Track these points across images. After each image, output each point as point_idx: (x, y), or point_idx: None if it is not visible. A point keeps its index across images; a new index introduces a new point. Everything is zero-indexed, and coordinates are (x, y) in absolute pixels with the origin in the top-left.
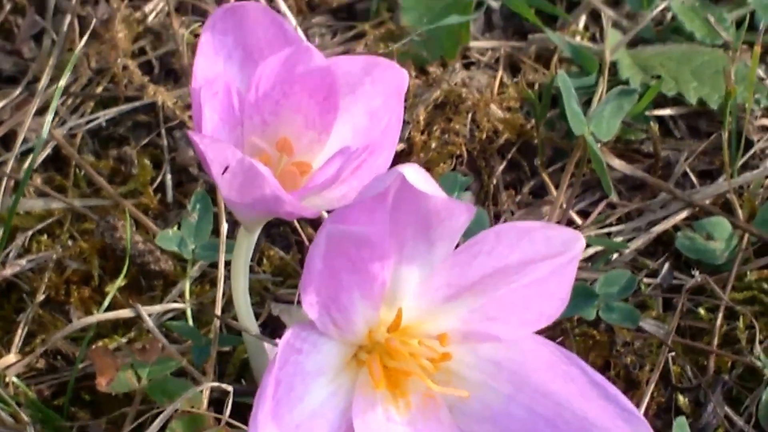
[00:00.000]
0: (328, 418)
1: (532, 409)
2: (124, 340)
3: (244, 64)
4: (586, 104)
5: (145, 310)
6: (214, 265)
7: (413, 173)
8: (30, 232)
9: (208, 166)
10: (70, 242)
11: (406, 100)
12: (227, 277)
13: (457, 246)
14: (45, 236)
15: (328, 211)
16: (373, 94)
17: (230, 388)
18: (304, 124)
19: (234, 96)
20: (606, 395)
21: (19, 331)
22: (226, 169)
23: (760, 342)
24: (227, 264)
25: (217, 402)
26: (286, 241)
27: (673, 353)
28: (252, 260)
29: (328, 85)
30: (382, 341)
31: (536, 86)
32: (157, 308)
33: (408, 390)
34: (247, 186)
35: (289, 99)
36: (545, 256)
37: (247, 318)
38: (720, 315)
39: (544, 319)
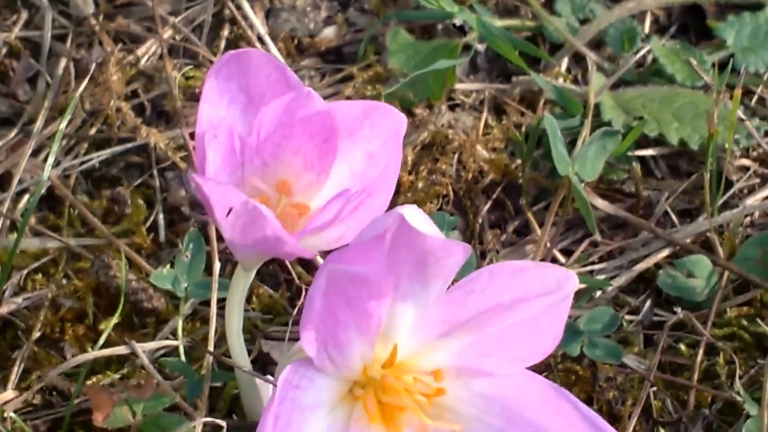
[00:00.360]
0: None
1: None
2: (117, 376)
3: (247, 109)
4: (570, 144)
5: (139, 347)
6: (206, 303)
7: (413, 214)
8: (25, 271)
9: (211, 208)
10: (64, 281)
11: None
12: (219, 315)
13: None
14: (40, 275)
15: (325, 253)
16: (371, 137)
17: (223, 423)
18: (303, 166)
19: (236, 139)
20: (597, 429)
21: (15, 367)
22: (230, 211)
23: (740, 377)
24: (219, 301)
25: None
26: (276, 279)
27: (654, 388)
28: None
29: (328, 128)
30: (377, 377)
31: (522, 128)
32: (152, 345)
33: (402, 424)
34: (249, 227)
35: (289, 142)
36: (538, 295)
37: (240, 355)
38: (700, 351)
39: (537, 355)
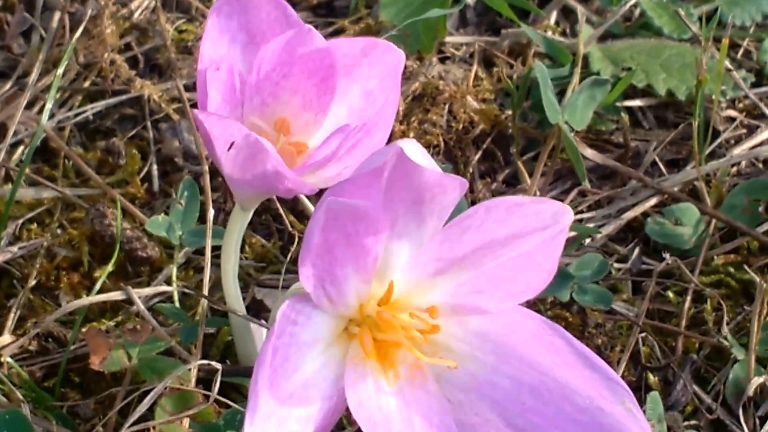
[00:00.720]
0: (320, 387)
1: (516, 379)
2: (112, 323)
3: (247, 47)
4: (560, 95)
5: (134, 293)
6: (200, 252)
7: (412, 148)
8: (20, 221)
9: (212, 144)
10: (59, 231)
11: None
12: (214, 264)
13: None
14: (35, 225)
15: (320, 192)
16: (369, 75)
17: (219, 366)
18: (301, 105)
19: (236, 77)
20: (590, 365)
21: (11, 314)
22: (232, 145)
23: (727, 324)
24: (213, 249)
25: (203, 382)
26: (268, 229)
27: (643, 334)
28: None
29: (326, 66)
30: (372, 315)
31: (512, 79)
32: (147, 291)
33: (397, 361)
34: (249, 161)
35: (288, 80)
36: (534, 230)
37: (235, 298)
38: (688, 298)
39: (531, 291)
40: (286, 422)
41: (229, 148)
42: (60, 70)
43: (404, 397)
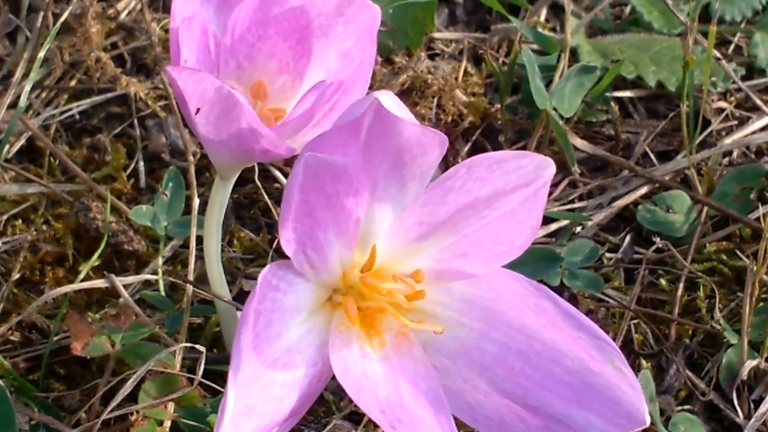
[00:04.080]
0: (304, 353)
1: (503, 343)
2: (97, 317)
3: (221, 8)
4: (548, 86)
5: (118, 280)
6: (186, 246)
7: (388, 99)
8: (5, 217)
9: (185, 102)
10: (44, 226)
11: (371, 86)
12: (199, 257)
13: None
14: (20, 221)
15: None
16: (345, 35)
17: (203, 349)
18: (278, 68)
19: (210, 39)
20: (578, 325)
21: None
22: (198, 111)
23: (720, 310)
24: (199, 241)
25: (190, 371)
26: (256, 223)
27: (635, 321)
28: (222, 241)
29: (302, 27)
30: (356, 282)
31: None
32: (131, 279)
33: (382, 329)
34: (223, 119)
35: (264, 43)
36: (517, 186)
37: (219, 281)
38: (681, 285)
39: (515, 250)
40: (270, 387)
41: (196, 113)
42: (36, 67)
43: (390, 364)
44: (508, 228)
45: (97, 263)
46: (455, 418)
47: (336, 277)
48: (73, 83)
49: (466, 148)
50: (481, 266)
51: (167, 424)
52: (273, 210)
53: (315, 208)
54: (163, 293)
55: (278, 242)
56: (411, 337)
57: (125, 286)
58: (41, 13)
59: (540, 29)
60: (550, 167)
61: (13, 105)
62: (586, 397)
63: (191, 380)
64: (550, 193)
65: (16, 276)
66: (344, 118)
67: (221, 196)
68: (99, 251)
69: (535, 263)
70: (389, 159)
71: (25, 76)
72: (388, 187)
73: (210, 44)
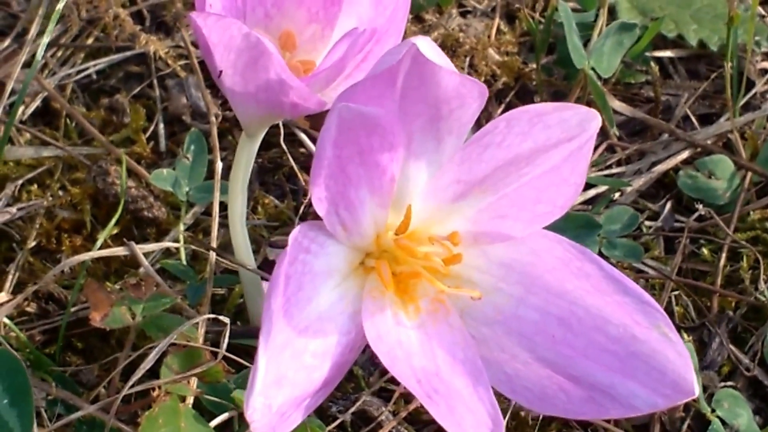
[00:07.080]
0: (337, 321)
1: (544, 310)
2: (116, 287)
3: None
4: (585, 45)
5: (138, 248)
6: (208, 213)
7: (426, 45)
8: (20, 182)
9: (211, 53)
10: (60, 192)
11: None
12: (222, 225)
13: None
14: (35, 186)
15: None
16: None
17: (227, 321)
18: (307, 17)
19: None
20: (623, 290)
21: (10, 277)
22: (221, 74)
23: (764, 281)
24: (222, 207)
25: (212, 344)
26: (281, 189)
27: (676, 292)
28: (247, 208)
29: None
30: (390, 246)
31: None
32: (152, 246)
33: (417, 295)
34: (251, 68)
35: None
36: (560, 141)
37: (243, 246)
38: (723, 255)
39: (558, 210)
40: (302, 355)
41: (219, 75)
42: (51, 25)
43: (426, 332)
44: (550, 186)
45: (115, 231)
46: (493, 390)
47: (369, 240)
48: (90, 41)
49: (499, 111)
50: (521, 227)
51: (190, 399)
52: (299, 175)
53: (348, 163)
54: (184, 262)
55: (304, 209)
56: (447, 303)
57: (145, 255)
58: None
59: None
60: (595, 120)
61: (28, 64)
62: (631, 366)
63: (215, 354)
64: None
65: (31, 244)
66: (379, 65)
67: (247, 155)
68: (116, 217)
69: (574, 230)
70: (426, 111)
71: (41, 33)
72: (425, 141)
73: None
